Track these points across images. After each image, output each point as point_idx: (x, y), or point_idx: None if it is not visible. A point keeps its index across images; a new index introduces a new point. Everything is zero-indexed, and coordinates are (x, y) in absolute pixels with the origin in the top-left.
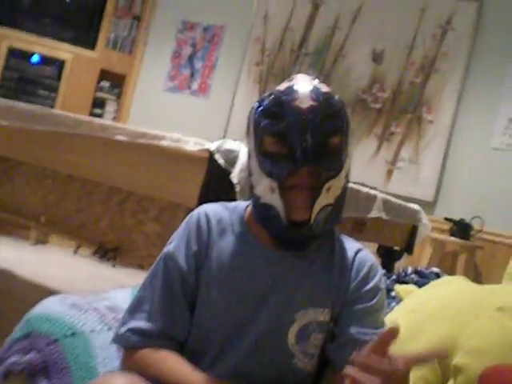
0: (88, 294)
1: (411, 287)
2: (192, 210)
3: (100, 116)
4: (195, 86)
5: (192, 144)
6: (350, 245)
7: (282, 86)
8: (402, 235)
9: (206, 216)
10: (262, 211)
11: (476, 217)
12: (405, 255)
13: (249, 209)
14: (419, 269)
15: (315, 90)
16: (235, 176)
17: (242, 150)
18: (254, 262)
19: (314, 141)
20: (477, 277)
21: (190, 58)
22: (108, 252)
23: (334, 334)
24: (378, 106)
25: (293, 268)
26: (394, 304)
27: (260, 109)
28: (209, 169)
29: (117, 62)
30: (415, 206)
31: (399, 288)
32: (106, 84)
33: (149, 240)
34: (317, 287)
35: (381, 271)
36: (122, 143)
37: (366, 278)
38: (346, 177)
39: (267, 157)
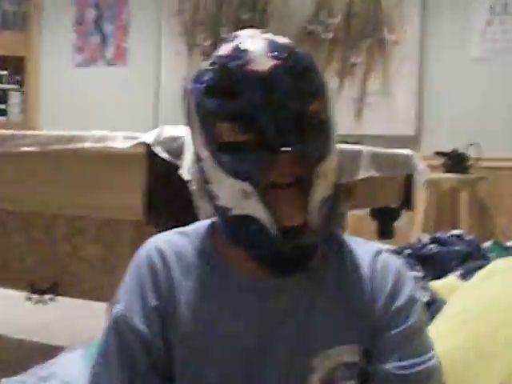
0: (29, 373)
1: (453, 280)
2: (139, 223)
3: (4, 113)
4: (109, 53)
5: (121, 139)
6: (363, 249)
7: (225, 49)
8: (396, 190)
9: (160, 252)
10: (237, 228)
11: (471, 144)
12: (403, 212)
13: (215, 228)
14: (437, 235)
15: (272, 43)
16: (186, 171)
17: (188, 135)
18: (239, 301)
19: (289, 113)
20: (483, 213)
21: (97, 22)
22: (44, 293)
23: (369, 375)
24: (329, 35)
25: (294, 299)
26: (432, 308)
27: (201, 87)
28: (149, 167)
29: (10, 44)
30: (406, 152)
31: (437, 284)
32: (2, 73)
33: (92, 267)
34: (333, 318)
35: (410, 276)
36: (32, 154)
37: (394, 291)
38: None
39: (228, 151)
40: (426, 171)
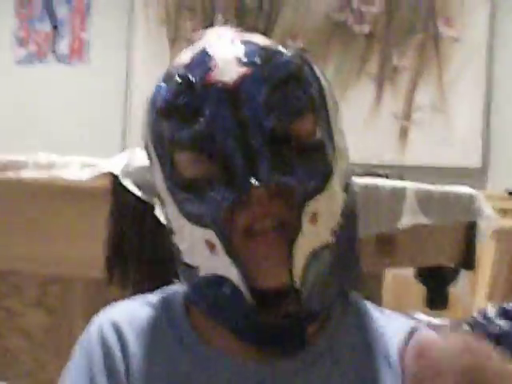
0: None
1: None
2: (97, 282)
3: None
4: (63, 47)
5: (77, 168)
6: (393, 325)
7: (186, 56)
8: (453, 243)
9: (115, 327)
10: (205, 293)
11: None
12: (462, 274)
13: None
14: (506, 306)
15: (247, 46)
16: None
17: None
18: None
19: (262, 134)
20: None
21: (47, 5)
22: None
23: None
24: (365, 28)
25: None
26: None
27: (155, 107)
28: (115, 207)
29: None
30: (468, 191)
31: None
32: None
33: (32, 341)
34: None
35: None
36: None
37: None
38: (346, 182)
39: (189, 189)
40: (494, 217)
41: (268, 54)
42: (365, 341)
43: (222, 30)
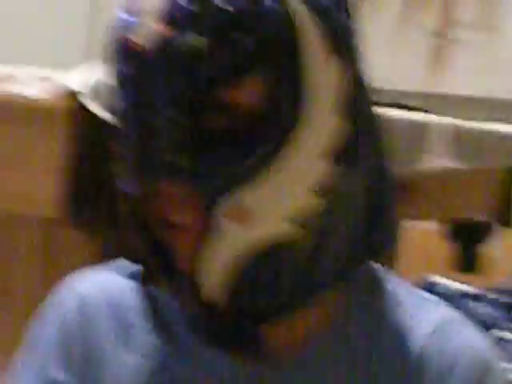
0: None
1: None
2: (49, 222)
3: None
4: None
5: (30, 82)
6: (421, 315)
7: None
8: (489, 193)
9: (81, 302)
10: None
11: None
12: (497, 231)
13: None
14: None
15: None
16: None
17: None
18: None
19: (170, 114)
20: None
21: None
22: None
23: None
24: None
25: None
26: None
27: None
28: (74, 131)
29: None
30: None
31: None
32: None
33: None
34: None
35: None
36: None
37: None
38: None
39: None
40: None
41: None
42: (385, 339)
43: None
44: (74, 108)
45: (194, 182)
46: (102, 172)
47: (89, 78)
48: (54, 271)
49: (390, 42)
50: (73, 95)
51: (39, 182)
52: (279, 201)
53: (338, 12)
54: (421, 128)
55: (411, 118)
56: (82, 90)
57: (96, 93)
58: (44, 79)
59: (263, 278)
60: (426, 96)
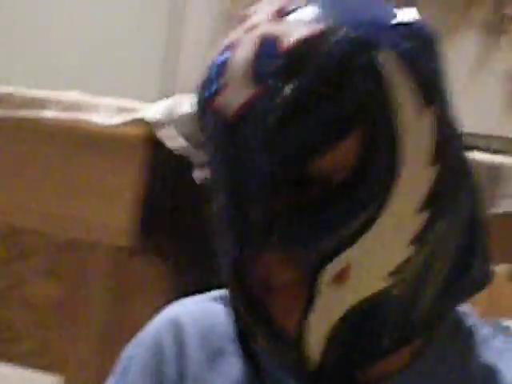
0: None
1: None
2: (120, 251)
3: None
4: None
5: (105, 111)
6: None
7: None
8: None
9: (176, 329)
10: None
11: None
12: None
13: None
14: None
15: (268, 44)
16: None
17: None
18: None
19: (264, 179)
20: None
21: None
22: None
23: None
24: None
25: None
26: None
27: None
28: (149, 162)
29: None
30: None
31: None
32: None
33: (39, 315)
34: None
35: None
36: None
37: None
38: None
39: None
40: None
41: (299, 55)
42: (470, 378)
43: (266, 6)
44: (151, 138)
45: (295, 250)
46: (177, 202)
47: (168, 110)
48: (126, 301)
49: (463, 87)
50: (149, 126)
51: (111, 210)
52: (380, 257)
53: (426, 55)
54: (493, 169)
55: (490, 161)
56: (160, 122)
57: (175, 125)
58: (122, 109)
59: (363, 333)
60: (501, 139)
